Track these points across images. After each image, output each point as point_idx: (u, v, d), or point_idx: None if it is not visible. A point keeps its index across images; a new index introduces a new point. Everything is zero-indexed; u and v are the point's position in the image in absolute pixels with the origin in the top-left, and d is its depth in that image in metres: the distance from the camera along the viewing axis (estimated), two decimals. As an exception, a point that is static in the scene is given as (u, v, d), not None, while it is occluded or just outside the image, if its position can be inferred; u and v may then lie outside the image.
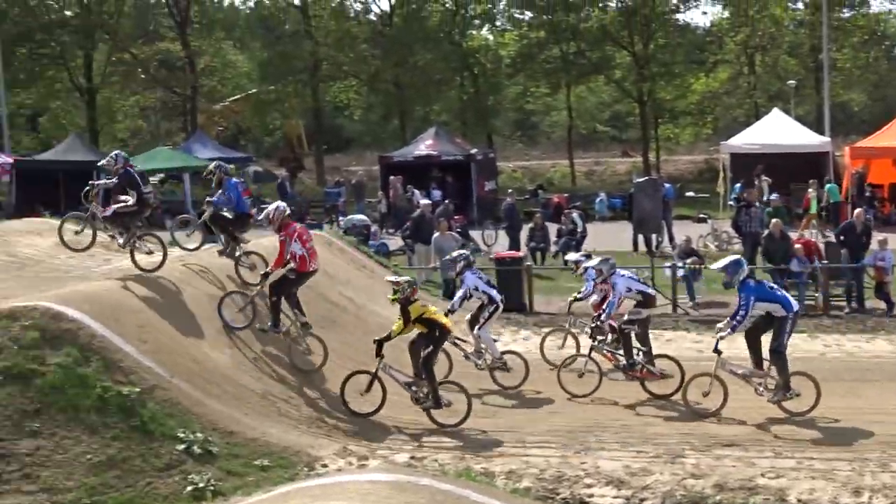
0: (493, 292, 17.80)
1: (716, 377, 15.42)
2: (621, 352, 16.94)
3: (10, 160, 47.34)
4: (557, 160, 66.73)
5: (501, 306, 17.99)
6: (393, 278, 15.98)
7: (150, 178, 46.36)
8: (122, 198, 16.81)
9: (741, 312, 15.15)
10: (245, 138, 73.82)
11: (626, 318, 16.92)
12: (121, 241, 16.93)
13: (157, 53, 66.20)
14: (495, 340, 18.11)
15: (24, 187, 44.98)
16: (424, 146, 45.72)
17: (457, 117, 62.78)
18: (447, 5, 63.10)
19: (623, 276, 17.22)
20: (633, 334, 16.90)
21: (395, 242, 34.16)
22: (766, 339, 15.61)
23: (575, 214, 32.90)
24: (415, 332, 15.51)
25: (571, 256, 21.27)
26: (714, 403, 15.41)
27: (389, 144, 58.40)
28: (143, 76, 65.74)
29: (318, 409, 15.33)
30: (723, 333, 15.38)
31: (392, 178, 41.11)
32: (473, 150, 46.73)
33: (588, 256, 20.37)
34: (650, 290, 17.51)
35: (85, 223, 17.26)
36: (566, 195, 45.62)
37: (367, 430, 14.93)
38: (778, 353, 15.28)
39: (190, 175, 45.18)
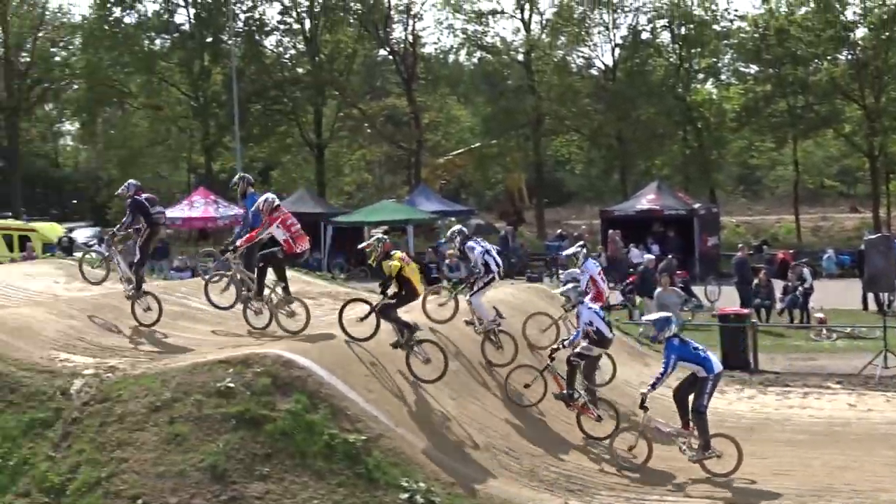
0: (492, 263, 17.97)
1: (641, 433, 15.65)
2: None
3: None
4: (782, 215, 65.20)
5: (498, 277, 18.15)
6: (364, 243, 16.83)
7: (374, 231, 47.62)
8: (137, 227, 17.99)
9: (662, 370, 15.48)
10: (467, 192, 74.76)
11: (577, 350, 16.84)
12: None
13: (383, 109, 68.00)
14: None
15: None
16: (646, 200, 45.41)
17: (679, 171, 62.02)
18: (671, 59, 62.63)
19: (590, 308, 17.04)
20: (579, 368, 16.78)
21: (614, 297, 33.92)
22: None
23: (805, 270, 32.01)
24: None
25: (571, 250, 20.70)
26: (640, 457, 15.58)
27: (610, 198, 58.14)
28: (369, 131, 67.53)
29: (538, 461, 15.27)
30: (644, 390, 15.68)
31: (611, 231, 40.95)
32: (696, 205, 46.17)
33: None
34: (609, 334, 17.05)
35: (102, 262, 18.68)
36: (791, 251, 44.49)
37: (588, 484, 14.81)
38: (698, 413, 15.46)
39: (413, 227, 46.09)
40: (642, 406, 15.55)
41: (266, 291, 17.45)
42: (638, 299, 30.69)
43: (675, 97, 60.90)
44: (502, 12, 64.24)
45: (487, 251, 18.11)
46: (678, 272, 32.92)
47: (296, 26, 64.95)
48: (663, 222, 43.59)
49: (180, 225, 49.26)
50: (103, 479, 13.28)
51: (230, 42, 61.97)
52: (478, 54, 66.91)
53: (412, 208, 49.56)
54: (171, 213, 47.80)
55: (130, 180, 18.54)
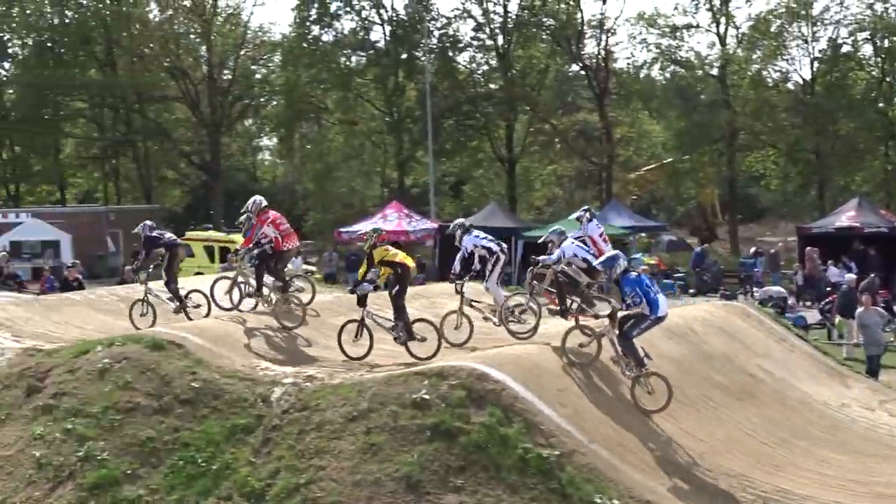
0: (493, 245, 18.20)
1: (598, 336, 16.24)
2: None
3: (436, 226, 49.76)
4: None
5: (503, 256, 18.25)
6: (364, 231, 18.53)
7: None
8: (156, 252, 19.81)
9: (639, 300, 15.62)
10: (658, 207, 73.99)
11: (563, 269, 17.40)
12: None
13: (575, 124, 67.89)
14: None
15: (448, 252, 47.04)
16: (846, 217, 44.04)
17: (880, 188, 60.05)
18: (873, 73, 60.74)
19: (573, 244, 17.67)
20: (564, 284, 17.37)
21: (812, 315, 33.08)
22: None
23: None
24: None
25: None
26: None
27: (806, 214, 56.73)
28: (560, 146, 67.51)
29: (734, 482, 14.92)
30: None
31: (808, 249, 39.95)
32: (898, 222, 44.63)
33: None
34: (595, 262, 17.00)
35: (144, 304, 19.71)
36: None
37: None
38: (625, 338, 15.83)
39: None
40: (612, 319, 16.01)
41: (265, 291, 18.73)
42: (837, 319, 29.81)
43: (877, 111, 59.04)
44: (697, 26, 63.48)
45: (481, 238, 18.38)
46: (880, 291, 31.86)
47: (489, 42, 65.46)
48: (863, 240, 42.19)
49: (374, 238, 49.94)
50: (301, 485, 13.58)
51: (424, 58, 62.88)
52: (671, 68, 66.28)
53: (603, 223, 49.16)
54: (363, 226, 48.83)
55: (146, 221, 20.42)
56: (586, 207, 20.92)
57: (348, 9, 66.04)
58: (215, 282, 19.48)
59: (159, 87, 70.06)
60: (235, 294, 19.06)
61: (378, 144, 67.11)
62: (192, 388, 15.16)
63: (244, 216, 18.97)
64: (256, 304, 19.04)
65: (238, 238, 44.57)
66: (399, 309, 16.98)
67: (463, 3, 65.03)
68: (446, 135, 64.39)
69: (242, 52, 70.92)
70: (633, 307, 15.69)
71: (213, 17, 69.29)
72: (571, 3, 64.62)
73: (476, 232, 18.53)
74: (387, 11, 66.05)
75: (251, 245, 18.74)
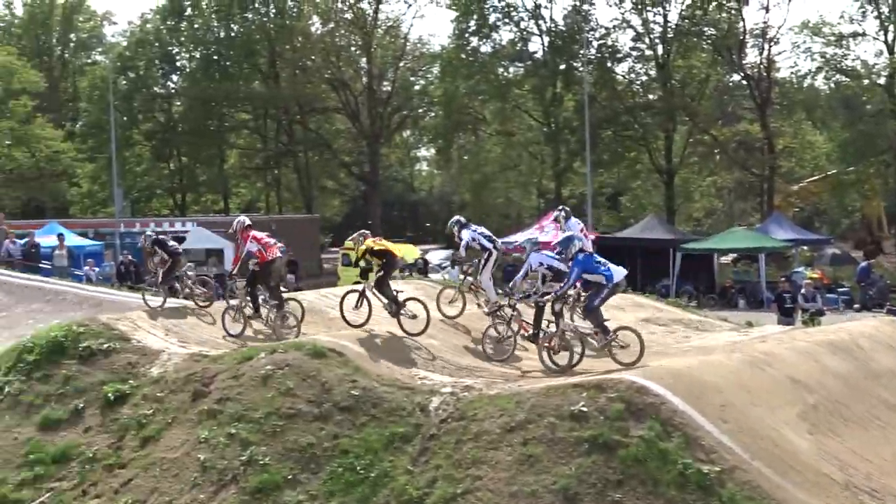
0: (487, 242, 19.25)
1: (570, 337, 17.10)
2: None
3: (592, 237, 49.46)
4: None
5: (495, 252, 19.27)
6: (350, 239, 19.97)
7: (723, 258, 46.54)
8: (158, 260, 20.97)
9: (567, 281, 16.92)
10: (821, 220, 72.36)
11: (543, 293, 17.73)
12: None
13: (735, 134, 66.86)
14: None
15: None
16: None
17: None
18: None
19: (538, 252, 18.09)
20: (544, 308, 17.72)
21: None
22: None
23: None
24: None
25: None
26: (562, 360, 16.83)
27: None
28: (720, 157, 66.55)
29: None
30: (549, 298, 17.24)
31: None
32: None
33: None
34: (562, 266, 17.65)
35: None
36: None
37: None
38: (588, 309, 16.95)
39: (765, 256, 44.94)
40: (554, 313, 17.24)
41: (264, 311, 19.65)
42: None
43: None
44: (864, 34, 61.84)
45: (479, 232, 19.41)
46: None
47: (648, 52, 65.08)
48: None
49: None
50: (459, 495, 13.60)
51: (582, 69, 62.71)
52: (836, 78, 64.65)
53: (765, 236, 48.35)
54: (520, 237, 48.83)
55: (148, 232, 22.25)
56: (561, 207, 22.30)
57: (507, 20, 66.46)
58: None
59: (320, 98, 71.58)
60: (239, 320, 19.68)
61: (535, 155, 67.18)
62: (352, 395, 15.33)
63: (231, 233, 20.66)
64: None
65: (399, 248, 45.41)
66: (382, 289, 18.41)
67: (622, 14, 64.92)
68: (604, 145, 64.12)
69: (402, 64, 71.93)
70: (564, 286, 16.97)
71: (374, 29, 70.46)
72: (733, 12, 63.71)
73: (474, 227, 19.67)
74: (545, 22, 66.33)
75: (238, 264, 20.12)
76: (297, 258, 55.32)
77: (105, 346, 17.69)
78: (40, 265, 33.61)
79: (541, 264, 17.96)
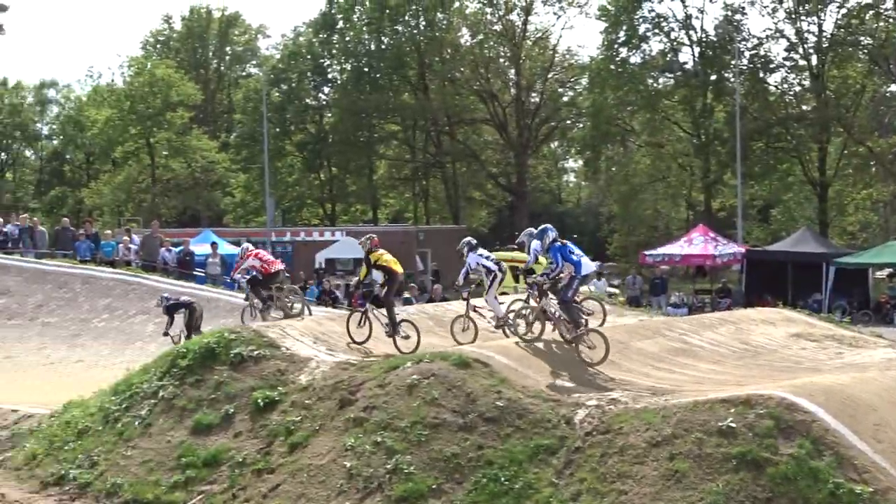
0: (491, 265, 19.67)
1: (538, 314, 18.04)
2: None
3: (742, 250, 48.75)
4: None
5: (500, 275, 19.67)
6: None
7: (878, 273, 45.29)
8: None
9: (554, 266, 17.60)
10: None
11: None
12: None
13: (893, 146, 64.93)
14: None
15: (754, 277, 46.08)
16: None
17: None
18: None
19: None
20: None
21: None
22: None
23: None
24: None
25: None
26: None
27: None
28: (877, 169, 64.83)
29: None
30: (539, 279, 17.95)
31: None
32: None
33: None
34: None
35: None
36: None
37: None
38: (563, 302, 17.55)
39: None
40: (541, 293, 17.90)
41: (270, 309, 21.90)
42: None
43: None
44: None
45: (485, 257, 19.89)
46: None
47: (802, 62, 63.71)
48: None
49: (678, 262, 49.51)
50: (603, 508, 13.54)
51: (734, 80, 61.80)
52: None
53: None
54: (669, 249, 48.32)
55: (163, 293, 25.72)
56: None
57: (657, 31, 65.89)
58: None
59: (469, 109, 71.96)
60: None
61: (685, 167, 66.43)
62: (497, 406, 15.35)
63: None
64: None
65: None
66: (385, 306, 19.34)
67: (775, 24, 63.75)
68: (755, 157, 63.03)
69: (550, 75, 71.89)
70: (555, 271, 17.59)
71: (523, 40, 70.60)
72: (891, 20, 62.01)
73: (481, 251, 20.09)
74: (696, 33, 65.52)
75: (237, 272, 22.79)
76: (440, 268, 55.90)
77: (255, 352, 18.08)
78: (194, 272, 34.45)
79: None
